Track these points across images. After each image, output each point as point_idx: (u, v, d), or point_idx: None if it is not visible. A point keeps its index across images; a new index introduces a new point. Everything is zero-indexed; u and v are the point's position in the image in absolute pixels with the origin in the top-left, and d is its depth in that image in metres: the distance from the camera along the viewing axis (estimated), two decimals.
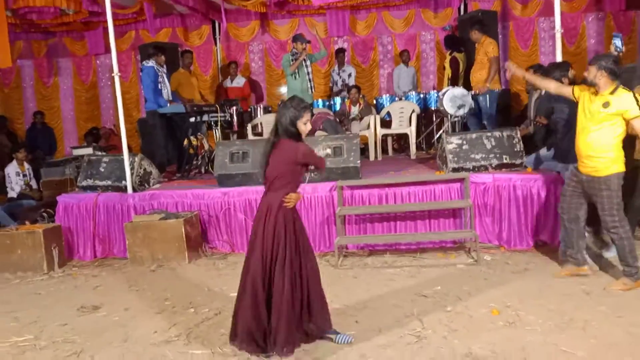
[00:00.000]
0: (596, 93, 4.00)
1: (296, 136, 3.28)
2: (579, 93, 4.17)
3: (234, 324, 3.33)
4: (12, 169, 7.53)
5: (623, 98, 3.89)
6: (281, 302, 3.18)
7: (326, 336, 3.43)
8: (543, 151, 5.40)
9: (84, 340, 3.81)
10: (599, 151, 4.00)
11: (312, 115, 3.56)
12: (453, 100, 6.95)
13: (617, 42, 4.65)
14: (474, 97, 7.04)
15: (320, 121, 7.08)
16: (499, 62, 7.25)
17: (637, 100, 3.88)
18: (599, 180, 4.03)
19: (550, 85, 4.44)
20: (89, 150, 8.40)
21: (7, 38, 7.37)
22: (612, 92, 3.93)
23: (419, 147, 8.28)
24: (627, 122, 3.93)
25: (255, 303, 3.22)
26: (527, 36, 9.68)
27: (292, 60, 7.42)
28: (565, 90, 4.33)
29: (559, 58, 5.16)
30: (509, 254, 5.12)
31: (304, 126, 3.29)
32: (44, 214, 6.61)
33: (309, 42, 7.59)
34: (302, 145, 3.27)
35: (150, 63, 6.98)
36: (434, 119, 8.50)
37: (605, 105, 3.93)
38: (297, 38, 7.48)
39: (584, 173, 4.15)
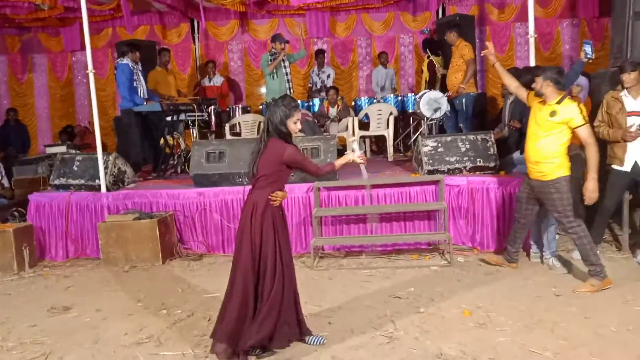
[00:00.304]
0: (544, 102, 4.20)
1: (286, 135, 3.28)
2: (531, 101, 4.36)
3: (218, 322, 3.28)
4: None
5: (568, 108, 4.09)
6: (272, 300, 3.18)
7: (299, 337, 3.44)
8: (516, 154, 5.49)
9: (53, 342, 3.75)
10: (546, 157, 4.19)
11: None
12: (429, 103, 7.01)
13: (587, 48, 4.75)
14: (450, 100, 7.12)
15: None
16: (475, 65, 7.35)
17: (581, 110, 4.08)
18: (547, 184, 4.22)
19: (512, 84, 4.62)
20: (63, 149, 8.26)
21: None
22: (558, 102, 4.13)
23: (396, 149, 8.34)
24: (573, 131, 4.12)
25: (244, 302, 3.20)
26: (504, 41, 9.83)
27: (271, 60, 7.41)
28: (522, 93, 4.53)
29: (532, 62, 5.25)
30: (482, 256, 5.18)
31: (294, 125, 3.29)
32: (15, 213, 6.46)
33: (287, 42, 7.58)
34: (290, 146, 3.26)
35: (125, 60, 6.88)
36: (411, 122, 8.57)
37: (552, 114, 4.13)
38: (275, 38, 7.47)
39: (533, 179, 4.35)
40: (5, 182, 7.59)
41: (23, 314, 4.35)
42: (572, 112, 4.08)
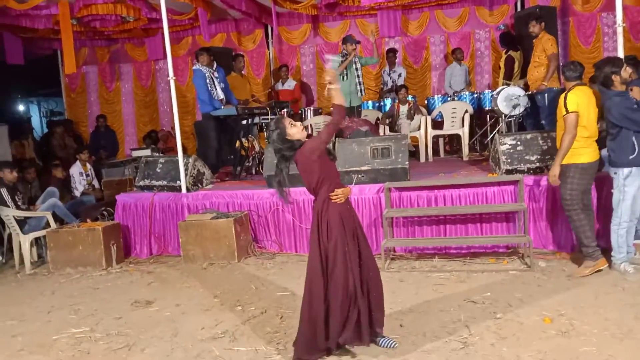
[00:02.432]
0: None
1: (295, 145, 3.23)
2: None
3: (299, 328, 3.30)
4: (75, 169, 7.95)
5: (561, 99, 4.44)
6: (341, 295, 3.14)
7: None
8: (604, 151, 5.12)
9: (136, 334, 3.97)
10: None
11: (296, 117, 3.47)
12: (507, 99, 6.73)
13: None
14: (532, 96, 6.78)
15: (349, 131, 6.98)
16: (559, 60, 6.94)
17: (567, 101, 4.35)
18: (563, 167, 4.50)
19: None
20: (147, 152, 8.73)
21: (72, 46, 7.81)
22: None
23: (472, 148, 8.07)
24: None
25: (313, 304, 3.20)
26: (589, 32, 9.21)
27: (342, 61, 7.43)
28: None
29: (620, 54, 4.88)
30: (565, 261, 4.89)
31: (293, 128, 3.23)
32: (104, 212, 6.94)
33: (358, 42, 7.57)
34: (305, 147, 3.21)
35: (197, 66, 7.17)
36: (489, 120, 8.26)
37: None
38: (346, 39, 7.48)
39: None
40: (96, 183, 8.15)
41: (110, 306, 4.65)
42: (560, 103, 4.43)
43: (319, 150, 3.19)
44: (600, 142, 5.40)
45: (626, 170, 4.32)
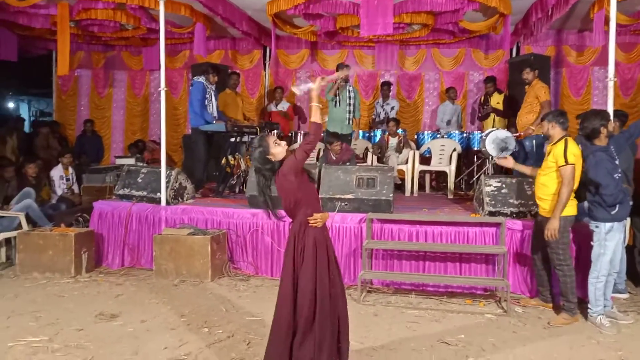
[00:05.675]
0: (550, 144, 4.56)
1: (275, 167, 3.14)
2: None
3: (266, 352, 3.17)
4: (56, 172, 7.79)
5: (558, 148, 4.35)
6: (310, 328, 3.04)
7: None
8: (585, 203, 5.13)
9: (96, 348, 3.81)
10: (546, 194, 4.45)
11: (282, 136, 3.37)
12: (496, 142, 6.74)
13: None
14: (520, 141, 6.82)
15: (349, 155, 7.02)
16: (550, 107, 7.03)
17: (566, 151, 4.26)
18: (546, 220, 4.41)
19: (527, 171, 4.86)
20: (132, 161, 8.62)
21: (67, 48, 7.75)
22: (554, 143, 4.42)
23: (457, 186, 8.08)
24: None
25: (281, 330, 3.08)
26: (581, 84, 9.40)
27: (331, 86, 7.46)
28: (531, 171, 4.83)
29: (610, 107, 4.94)
30: (542, 308, 4.83)
31: (276, 147, 3.13)
32: (80, 218, 6.75)
33: (347, 66, 7.60)
34: (284, 167, 3.10)
35: (201, 79, 7.14)
36: (476, 160, 8.30)
37: (548, 154, 4.47)
38: (339, 66, 7.53)
39: (539, 214, 4.63)
40: (76, 188, 7.99)
41: (72, 317, 4.48)
42: (559, 152, 4.32)
43: (295, 170, 3.09)
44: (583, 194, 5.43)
45: (608, 225, 4.30)
